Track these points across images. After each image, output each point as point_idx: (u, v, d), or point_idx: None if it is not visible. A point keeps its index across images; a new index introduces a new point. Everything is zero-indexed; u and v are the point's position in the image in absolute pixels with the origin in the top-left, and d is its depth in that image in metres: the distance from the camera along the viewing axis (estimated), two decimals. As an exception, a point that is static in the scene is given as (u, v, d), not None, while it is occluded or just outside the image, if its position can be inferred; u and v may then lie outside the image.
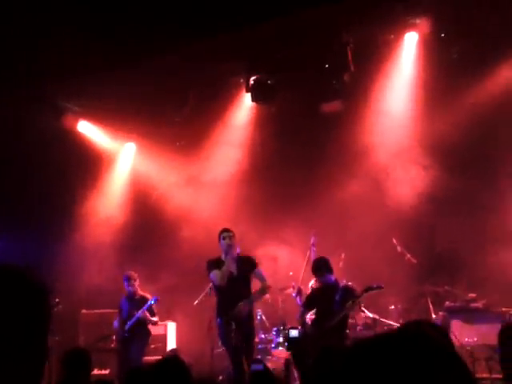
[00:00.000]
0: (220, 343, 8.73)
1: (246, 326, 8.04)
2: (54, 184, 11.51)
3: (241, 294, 8.02)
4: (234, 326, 7.87)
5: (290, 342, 8.18)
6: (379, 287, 8.14)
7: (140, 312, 9.61)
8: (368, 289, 8.06)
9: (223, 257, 8.12)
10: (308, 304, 8.61)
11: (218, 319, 8.13)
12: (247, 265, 8.22)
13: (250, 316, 8.21)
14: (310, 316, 8.73)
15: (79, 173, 11.95)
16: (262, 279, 8.28)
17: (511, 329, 3.90)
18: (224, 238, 8.13)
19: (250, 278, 8.26)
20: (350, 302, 7.99)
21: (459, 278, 9.49)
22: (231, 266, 8.08)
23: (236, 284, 8.03)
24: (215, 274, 8.07)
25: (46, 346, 1.54)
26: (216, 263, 8.16)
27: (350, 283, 8.91)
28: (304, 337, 8.18)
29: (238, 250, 8.35)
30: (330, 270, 8.36)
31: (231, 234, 8.16)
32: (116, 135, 12.23)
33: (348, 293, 8.15)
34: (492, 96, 9.78)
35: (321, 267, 8.36)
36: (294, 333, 8.23)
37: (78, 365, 5.49)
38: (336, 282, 8.39)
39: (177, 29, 8.92)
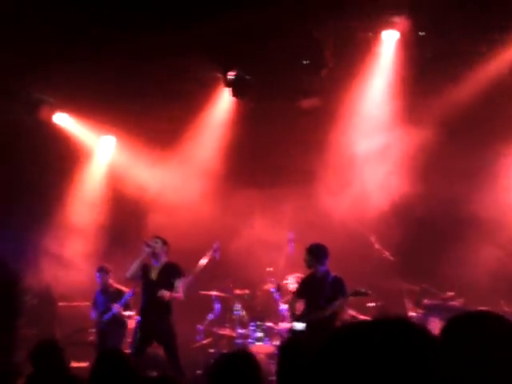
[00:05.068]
0: None
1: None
2: (31, 177, 11.40)
3: None
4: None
5: (294, 335, 7.71)
6: (366, 293, 7.96)
7: (116, 308, 9.56)
8: (355, 293, 7.85)
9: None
10: (298, 293, 8.38)
11: None
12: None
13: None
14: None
15: (56, 166, 11.73)
16: None
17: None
18: None
19: None
20: (339, 302, 7.70)
21: (437, 277, 9.64)
22: None
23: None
24: None
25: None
26: None
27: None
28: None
29: None
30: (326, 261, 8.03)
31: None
32: (95, 128, 11.95)
33: (339, 284, 7.85)
34: (467, 96, 9.91)
35: (322, 255, 7.98)
36: (299, 326, 7.85)
37: (48, 357, 5.36)
38: (326, 274, 7.99)
39: (152, 19, 8.78)
